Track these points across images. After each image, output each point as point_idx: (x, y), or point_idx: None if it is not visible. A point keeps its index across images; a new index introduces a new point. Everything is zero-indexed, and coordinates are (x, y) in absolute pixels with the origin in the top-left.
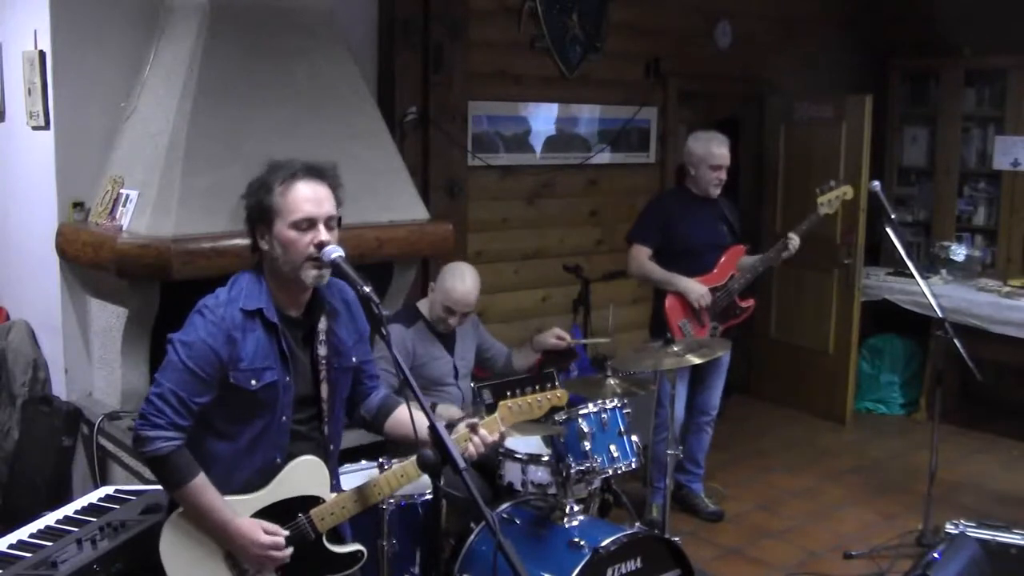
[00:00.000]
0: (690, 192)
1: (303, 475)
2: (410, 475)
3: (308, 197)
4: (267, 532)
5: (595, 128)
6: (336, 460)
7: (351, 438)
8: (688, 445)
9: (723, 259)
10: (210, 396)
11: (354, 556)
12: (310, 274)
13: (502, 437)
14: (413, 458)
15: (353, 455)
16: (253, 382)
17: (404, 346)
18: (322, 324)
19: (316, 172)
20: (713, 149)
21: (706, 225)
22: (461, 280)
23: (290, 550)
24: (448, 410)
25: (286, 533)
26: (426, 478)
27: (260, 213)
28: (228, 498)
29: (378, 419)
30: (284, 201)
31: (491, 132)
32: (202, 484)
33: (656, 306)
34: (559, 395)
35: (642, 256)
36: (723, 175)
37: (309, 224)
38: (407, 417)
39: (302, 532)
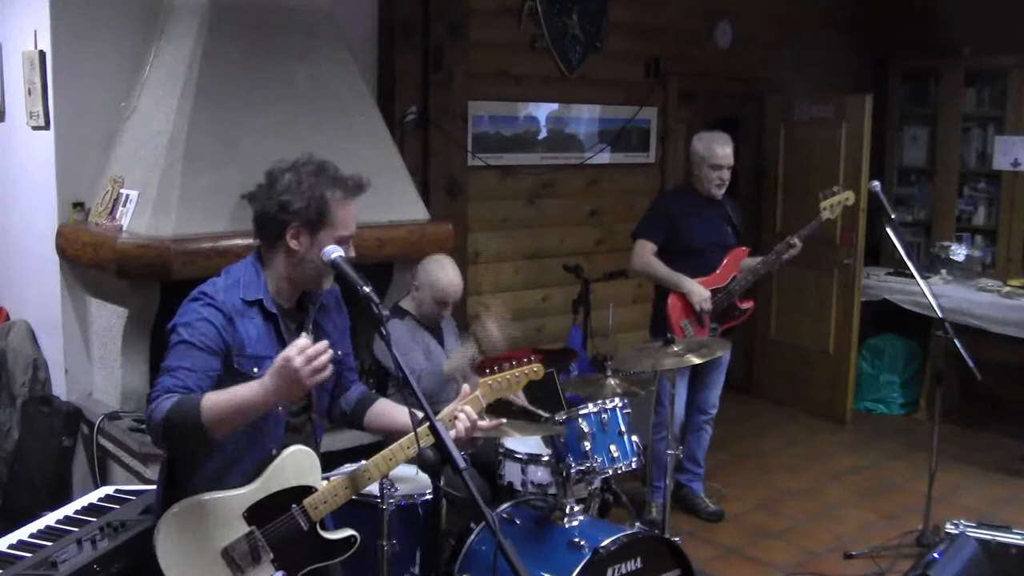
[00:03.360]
0: (696, 192)
1: (294, 465)
2: (398, 457)
3: (354, 215)
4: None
5: (595, 128)
6: (320, 452)
7: (351, 438)
8: (688, 444)
9: (726, 260)
10: (217, 369)
11: (348, 541)
12: (330, 280)
13: (498, 427)
14: (401, 441)
15: (353, 455)
16: (255, 369)
17: (412, 336)
18: (312, 315)
19: (359, 188)
20: (715, 148)
21: (711, 225)
22: (445, 272)
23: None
24: (458, 355)
25: (308, 340)
26: (426, 477)
27: (314, 218)
28: (223, 494)
29: (357, 412)
30: (339, 215)
31: (491, 132)
32: (211, 399)
33: (658, 305)
34: (535, 369)
35: (646, 252)
36: (725, 175)
37: (349, 239)
38: (388, 410)
39: (297, 523)
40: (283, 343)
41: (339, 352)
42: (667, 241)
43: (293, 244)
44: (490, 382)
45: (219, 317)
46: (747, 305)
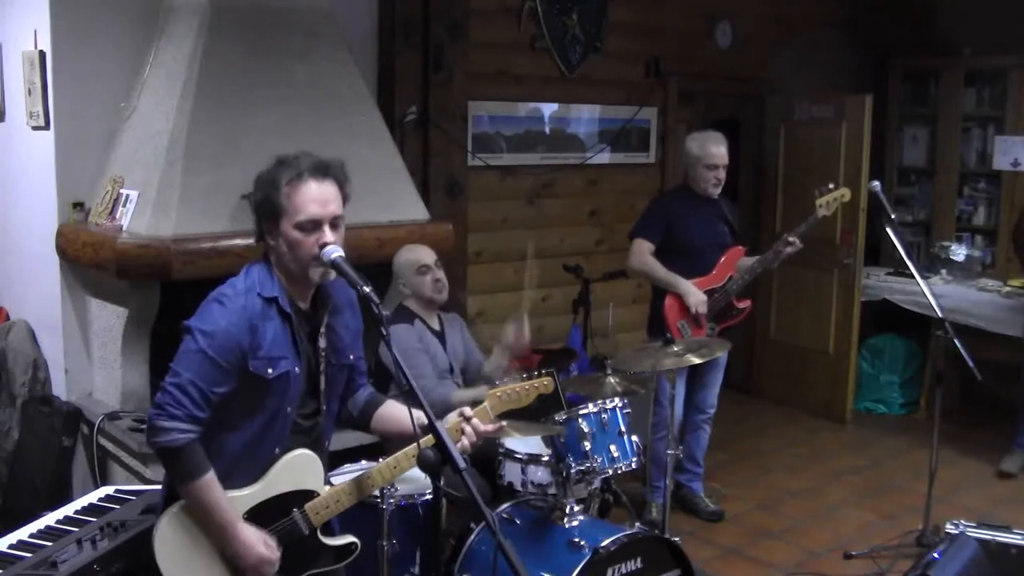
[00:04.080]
0: (692, 192)
1: (298, 469)
2: (402, 466)
3: (314, 198)
4: (267, 545)
5: (595, 128)
6: (327, 456)
7: (351, 438)
8: (687, 444)
9: (722, 260)
10: (229, 386)
11: (348, 547)
12: (316, 272)
13: (500, 430)
14: (406, 449)
15: (353, 455)
16: (269, 371)
17: (422, 340)
18: (325, 318)
19: (323, 171)
20: (710, 148)
21: (708, 225)
22: (412, 249)
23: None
24: (466, 394)
25: (278, 555)
26: (426, 478)
27: (267, 210)
28: (227, 494)
29: (365, 414)
30: (290, 201)
31: (491, 132)
32: (211, 481)
33: (655, 305)
34: (545, 383)
35: (644, 252)
36: (720, 174)
37: (314, 225)
38: (395, 413)
39: (297, 527)
40: (296, 345)
41: (351, 356)
42: (665, 241)
43: (270, 240)
44: (499, 394)
45: (240, 324)
46: (744, 304)
